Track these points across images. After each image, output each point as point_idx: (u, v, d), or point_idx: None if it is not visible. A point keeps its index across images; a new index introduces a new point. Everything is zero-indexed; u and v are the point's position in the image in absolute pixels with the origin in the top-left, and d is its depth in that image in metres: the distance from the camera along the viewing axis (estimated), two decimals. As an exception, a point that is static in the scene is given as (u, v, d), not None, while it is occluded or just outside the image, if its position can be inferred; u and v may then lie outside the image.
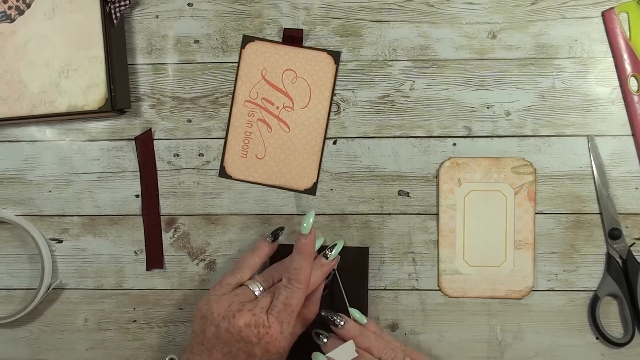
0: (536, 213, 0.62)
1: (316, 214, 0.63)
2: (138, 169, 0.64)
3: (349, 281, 0.62)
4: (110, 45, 0.60)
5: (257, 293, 0.55)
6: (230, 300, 0.54)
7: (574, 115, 0.62)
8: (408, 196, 0.63)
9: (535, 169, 0.62)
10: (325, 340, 0.57)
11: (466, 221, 0.62)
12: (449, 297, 0.63)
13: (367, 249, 0.63)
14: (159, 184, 0.64)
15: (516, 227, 0.62)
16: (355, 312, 0.59)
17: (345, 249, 0.62)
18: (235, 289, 0.56)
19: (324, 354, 0.56)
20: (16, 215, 0.64)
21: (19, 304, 0.64)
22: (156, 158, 0.64)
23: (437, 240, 0.63)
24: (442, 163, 0.62)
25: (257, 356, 0.52)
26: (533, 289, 0.62)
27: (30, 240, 0.63)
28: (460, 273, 0.63)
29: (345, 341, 0.56)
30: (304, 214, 0.63)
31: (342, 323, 0.57)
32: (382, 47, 0.63)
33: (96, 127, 0.64)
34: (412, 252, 0.63)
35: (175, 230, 0.64)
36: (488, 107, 0.62)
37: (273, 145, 0.63)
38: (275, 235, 0.60)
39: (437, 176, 0.63)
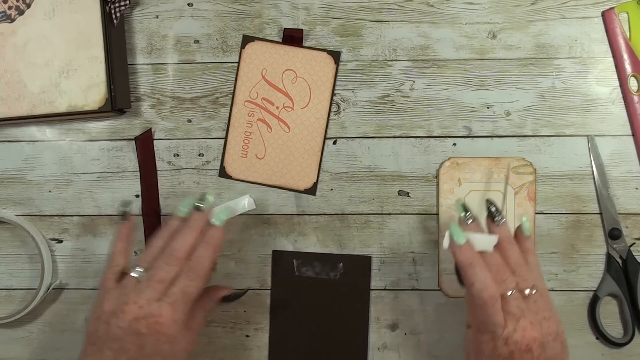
0: (536, 213, 0.62)
1: (316, 214, 0.63)
2: (138, 169, 0.64)
3: (351, 288, 0.62)
4: (110, 45, 0.60)
5: (139, 277, 0.52)
6: (118, 294, 0.51)
7: (574, 115, 0.62)
8: (408, 196, 0.63)
9: (535, 169, 0.62)
10: (470, 220, 0.53)
11: None
12: (449, 297, 0.63)
13: (369, 257, 0.63)
14: (159, 184, 0.64)
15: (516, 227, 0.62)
16: (525, 222, 0.54)
17: (347, 257, 0.62)
18: (121, 281, 0.53)
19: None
20: (16, 215, 0.64)
21: (19, 304, 0.64)
22: (156, 158, 0.64)
23: (437, 240, 0.63)
24: (442, 163, 0.62)
25: (147, 345, 0.50)
26: (533, 289, 0.62)
27: (30, 240, 0.63)
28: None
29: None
30: (304, 214, 0.63)
31: (502, 221, 0.52)
32: (382, 47, 0.63)
33: (96, 127, 0.64)
34: (412, 252, 0.63)
35: (175, 230, 0.64)
36: (488, 107, 0.62)
37: (273, 145, 0.63)
38: (123, 214, 0.57)
39: (437, 176, 0.63)
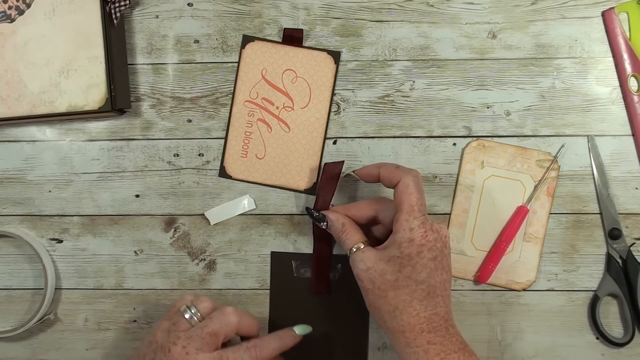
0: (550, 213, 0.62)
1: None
2: (138, 169, 0.64)
3: (350, 289, 0.62)
4: (110, 45, 0.60)
5: (187, 317, 0.55)
6: (170, 328, 0.54)
7: (574, 115, 0.62)
8: (408, 196, 0.63)
9: (559, 166, 0.62)
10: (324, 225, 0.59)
11: (481, 204, 0.62)
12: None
13: None
14: (159, 184, 0.64)
15: (529, 220, 0.62)
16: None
17: (346, 257, 0.62)
18: (174, 315, 0.56)
19: None
20: (15, 215, 0.64)
21: (19, 304, 0.64)
22: (156, 158, 0.64)
23: (449, 219, 0.62)
24: (468, 143, 0.62)
25: None
26: (534, 283, 0.62)
27: (32, 242, 0.63)
28: (465, 254, 0.62)
29: None
30: (304, 214, 0.63)
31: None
32: (382, 47, 0.63)
33: (96, 127, 0.64)
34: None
35: (175, 230, 0.64)
36: (488, 107, 0.62)
37: (273, 145, 0.63)
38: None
39: (461, 156, 0.62)
